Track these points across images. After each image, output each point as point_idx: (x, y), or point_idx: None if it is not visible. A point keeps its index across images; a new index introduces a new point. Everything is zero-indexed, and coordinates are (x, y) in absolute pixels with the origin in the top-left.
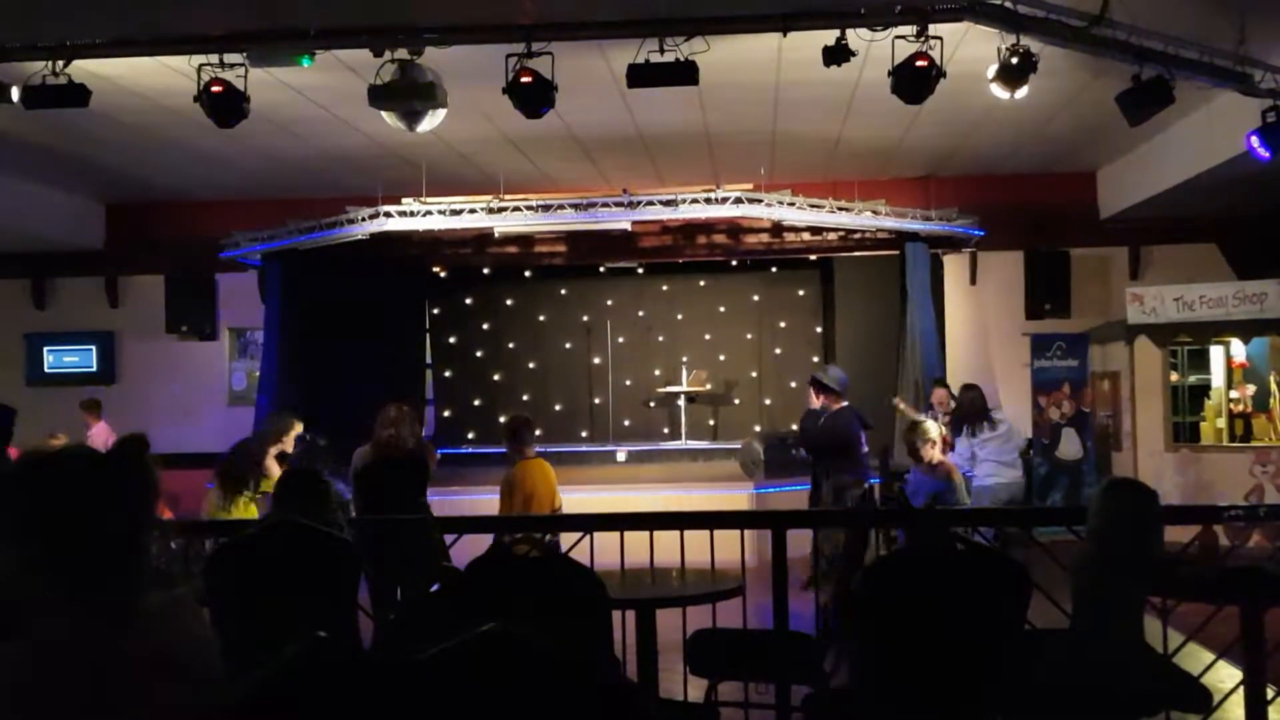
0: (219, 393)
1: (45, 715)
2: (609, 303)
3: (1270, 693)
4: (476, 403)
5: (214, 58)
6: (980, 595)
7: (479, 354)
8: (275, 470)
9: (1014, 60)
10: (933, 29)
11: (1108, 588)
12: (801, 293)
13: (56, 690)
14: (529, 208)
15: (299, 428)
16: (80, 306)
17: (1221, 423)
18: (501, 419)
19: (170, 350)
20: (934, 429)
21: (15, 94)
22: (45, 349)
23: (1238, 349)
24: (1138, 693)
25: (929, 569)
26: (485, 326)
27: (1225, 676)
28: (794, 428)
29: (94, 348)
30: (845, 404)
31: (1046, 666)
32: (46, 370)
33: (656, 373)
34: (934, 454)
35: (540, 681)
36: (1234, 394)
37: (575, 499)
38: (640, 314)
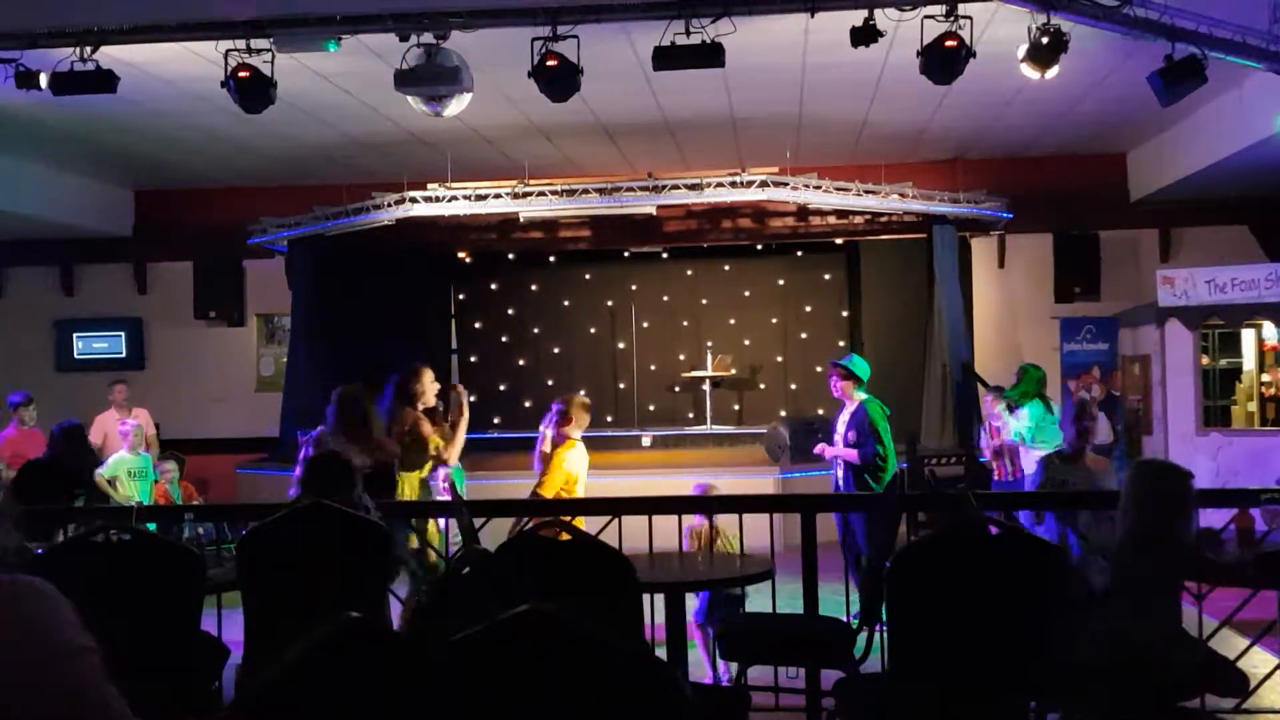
0: (247, 378)
1: None
2: (633, 287)
3: None
4: (501, 387)
5: (241, 43)
6: (1015, 577)
7: (504, 339)
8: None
9: (1045, 40)
10: (962, 8)
11: (1142, 570)
12: (827, 276)
13: None
14: (553, 192)
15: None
16: (109, 293)
17: (1253, 406)
18: (526, 404)
19: (198, 336)
20: None
21: (44, 80)
22: (74, 335)
23: (1270, 332)
24: (1174, 676)
25: (962, 552)
26: (510, 311)
27: (1259, 662)
28: (820, 412)
29: (123, 334)
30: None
31: (1082, 649)
32: (76, 357)
33: (681, 357)
34: None
35: (577, 662)
36: (1266, 377)
37: (601, 483)
38: (665, 298)
